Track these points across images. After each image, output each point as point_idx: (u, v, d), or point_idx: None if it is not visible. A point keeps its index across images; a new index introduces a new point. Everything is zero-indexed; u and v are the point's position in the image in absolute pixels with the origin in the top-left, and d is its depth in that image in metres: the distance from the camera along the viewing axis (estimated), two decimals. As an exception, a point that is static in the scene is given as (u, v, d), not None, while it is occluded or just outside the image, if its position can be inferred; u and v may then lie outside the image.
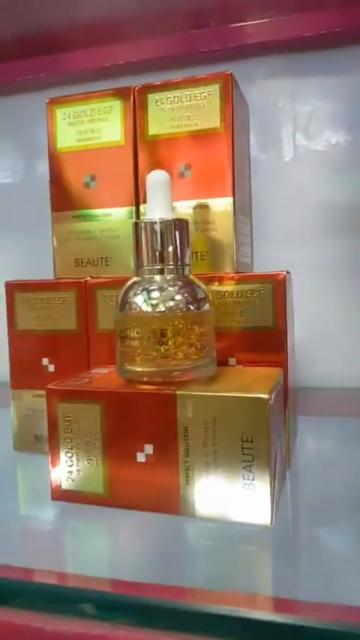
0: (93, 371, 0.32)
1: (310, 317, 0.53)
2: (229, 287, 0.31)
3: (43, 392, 0.35)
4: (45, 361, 0.35)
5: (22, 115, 0.61)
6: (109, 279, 0.33)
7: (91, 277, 0.34)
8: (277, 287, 0.30)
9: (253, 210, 0.38)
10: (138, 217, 0.33)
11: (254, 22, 0.51)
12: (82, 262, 0.35)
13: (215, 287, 0.31)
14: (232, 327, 0.31)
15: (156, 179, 0.27)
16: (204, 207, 0.32)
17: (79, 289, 0.34)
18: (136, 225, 0.28)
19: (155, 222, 0.27)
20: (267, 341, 0.30)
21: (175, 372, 0.27)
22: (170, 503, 0.26)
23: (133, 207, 0.33)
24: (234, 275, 0.31)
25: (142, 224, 0.27)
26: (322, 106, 0.52)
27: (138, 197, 0.33)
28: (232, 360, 0.31)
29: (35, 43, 0.56)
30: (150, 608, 0.20)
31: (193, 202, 0.32)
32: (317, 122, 0.52)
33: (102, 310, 0.33)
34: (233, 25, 0.52)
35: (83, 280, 0.34)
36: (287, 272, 0.30)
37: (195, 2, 0.49)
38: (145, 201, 0.33)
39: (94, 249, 0.34)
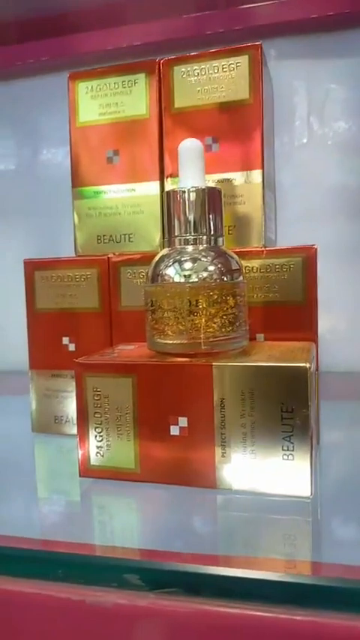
0: (118, 347, 0.31)
1: (325, 301, 0.52)
2: (258, 261, 0.30)
3: (63, 371, 0.35)
4: (65, 340, 0.34)
5: (23, 99, 0.60)
6: (134, 256, 0.32)
7: (113, 254, 0.33)
8: (308, 260, 0.30)
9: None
10: (163, 192, 0.32)
11: (263, 3, 0.51)
12: (104, 239, 0.34)
13: (243, 262, 0.30)
14: (261, 303, 0.30)
15: (189, 147, 0.27)
16: (232, 180, 0.31)
17: (102, 266, 0.33)
18: (168, 195, 0.27)
19: (188, 191, 0.26)
20: (297, 316, 0.30)
21: (207, 345, 0.26)
22: (206, 477, 0.25)
23: (158, 182, 0.33)
24: (263, 249, 0.30)
25: (174, 193, 0.27)
26: (335, 88, 0.52)
27: (163, 172, 0.32)
28: (260, 336, 0.31)
29: (40, 25, 0.55)
30: (193, 576, 0.19)
31: (220, 175, 0.31)
32: (331, 104, 0.52)
33: (125, 287, 0.33)
34: (242, 7, 0.52)
35: (106, 257, 0.33)
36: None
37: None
38: (170, 176, 0.32)
39: (117, 225, 0.33)
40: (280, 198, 0.40)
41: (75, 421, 0.33)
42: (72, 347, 0.34)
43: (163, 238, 0.28)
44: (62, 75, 0.41)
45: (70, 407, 0.34)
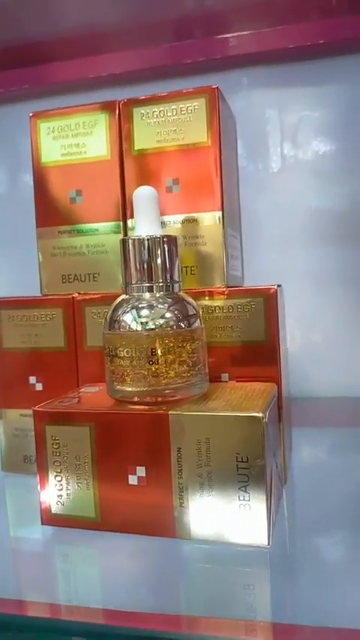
0: (82, 390, 0.31)
1: (301, 326, 0.52)
2: (219, 302, 0.31)
3: (31, 411, 0.35)
4: (32, 379, 0.34)
5: (4, 126, 0.60)
6: (98, 296, 0.33)
7: (78, 293, 0.33)
8: (269, 301, 0.30)
9: (242, 221, 0.37)
10: (126, 232, 0.33)
11: (238, 33, 0.51)
12: (69, 278, 0.34)
13: (205, 302, 0.30)
14: (224, 342, 0.30)
15: (143, 195, 0.27)
16: (193, 221, 0.31)
17: (67, 306, 0.33)
18: (124, 242, 0.27)
19: (143, 239, 0.26)
20: (259, 355, 0.30)
21: (167, 391, 0.26)
22: (165, 526, 0.25)
23: (121, 222, 0.33)
24: (224, 289, 0.31)
25: (130, 241, 0.27)
26: (307, 116, 0.52)
27: (125, 212, 0.33)
28: (225, 376, 0.31)
29: (17, 54, 0.55)
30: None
31: (182, 217, 0.31)
32: (303, 132, 0.52)
33: (91, 327, 0.33)
34: (217, 37, 0.52)
35: (71, 297, 0.33)
36: (278, 285, 0.30)
37: (178, 14, 0.49)
38: (132, 216, 0.32)
39: (82, 264, 0.34)
40: (254, 225, 0.40)
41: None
42: (39, 386, 0.34)
43: (121, 283, 0.28)
44: (40, 102, 0.41)
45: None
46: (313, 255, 0.52)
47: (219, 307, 0.31)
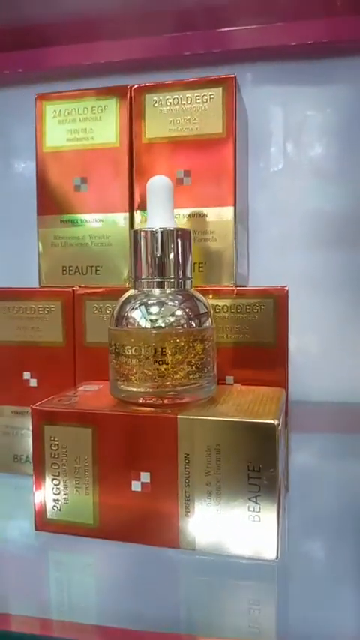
0: (81, 388, 0.29)
1: (302, 329, 0.51)
2: (227, 301, 0.29)
3: (24, 409, 0.33)
4: (26, 375, 0.32)
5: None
6: (100, 289, 0.31)
7: (79, 286, 0.32)
8: (280, 302, 0.29)
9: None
10: (132, 224, 0.31)
11: (243, 27, 0.50)
12: (69, 270, 0.32)
13: (213, 301, 0.29)
14: (231, 343, 0.29)
15: (158, 185, 0.25)
16: (203, 216, 0.30)
17: (67, 299, 0.32)
18: (135, 234, 0.26)
19: (156, 232, 0.25)
20: (267, 358, 0.29)
21: (173, 393, 0.25)
22: (168, 536, 0.24)
23: (127, 214, 0.31)
24: (234, 288, 0.29)
25: (142, 233, 0.25)
26: (311, 115, 0.51)
27: (132, 203, 0.31)
28: (230, 378, 0.30)
29: (10, 36, 0.53)
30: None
31: (191, 210, 0.30)
32: (307, 131, 0.51)
33: (91, 322, 0.31)
34: (221, 30, 0.51)
35: (71, 289, 0.32)
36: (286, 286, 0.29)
37: (183, 4, 0.48)
38: (139, 208, 0.31)
39: (84, 256, 0.32)
40: (255, 225, 0.39)
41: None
42: (33, 382, 0.32)
43: (130, 277, 0.27)
44: (36, 88, 0.40)
45: (31, 446, 0.32)
46: (313, 257, 0.51)
47: (227, 307, 0.29)
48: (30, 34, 0.53)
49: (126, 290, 0.27)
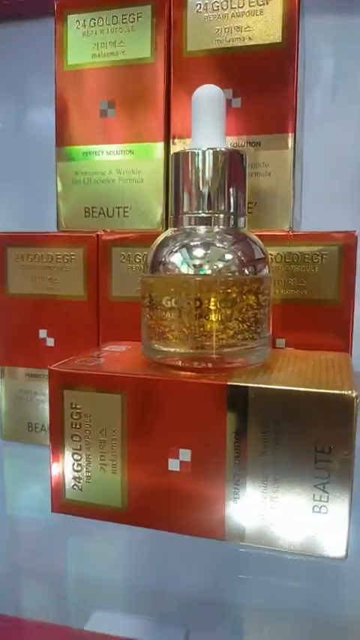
0: (106, 348, 0.25)
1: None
2: (282, 249, 0.25)
3: (39, 371, 0.29)
4: (43, 333, 0.28)
5: (4, 48, 0.52)
6: (130, 234, 0.26)
7: (104, 231, 0.27)
8: (347, 250, 0.24)
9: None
10: (168, 156, 0.26)
11: None
12: (93, 212, 0.28)
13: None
14: (284, 300, 0.25)
15: (206, 96, 0.20)
16: (255, 145, 0.25)
17: (90, 245, 0.27)
18: (177, 157, 0.21)
19: (203, 153, 0.20)
20: (329, 319, 0.24)
21: (219, 356, 0.20)
22: (211, 525, 0.20)
23: (162, 144, 0.26)
24: (290, 233, 0.25)
25: (185, 155, 0.20)
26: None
27: (169, 130, 0.26)
28: (281, 342, 0.25)
29: None
30: None
31: (242, 139, 0.25)
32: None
33: (117, 273, 0.27)
34: None
35: (95, 234, 0.27)
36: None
37: None
38: (179, 137, 0.26)
39: (110, 195, 0.27)
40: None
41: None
42: (50, 342, 0.28)
43: (167, 215, 0.22)
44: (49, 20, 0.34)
45: (48, 413, 0.28)
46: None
47: (280, 256, 0.25)
48: None
49: (159, 235, 0.22)
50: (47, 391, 0.28)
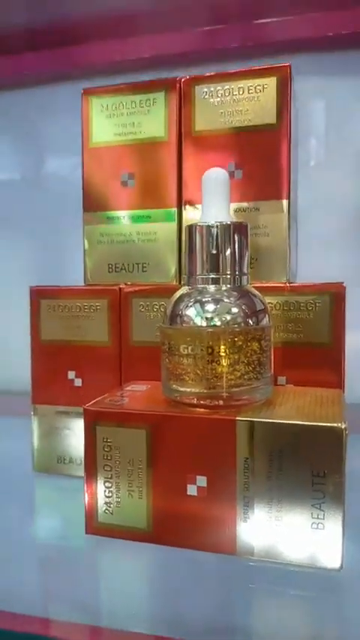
0: (128, 388, 0.29)
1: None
2: (280, 298, 0.28)
3: (68, 408, 0.32)
4: (71, 374, 0.32)
5: (29, 109, 0.58)
6: (148, 287, 0.30)
7: (126, 284, 0.31)
8: (336, 299, 0.27)
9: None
10: (181, 220, 0.30)
11: (278, 19, 0.49)
12: (115, 267, 0.32)
13: (265, 298, 0.28)
14: (284, 343, 0.28)
15: (214, 178, 0.25)
16: (255, 210, 0.29)
17: (113, 297, 0.31)
18: (190, 229, 0.25)
19: (212, 226, 0.24)
20: (322, 359, 0.28)
21: (228, 394, 0.24)
22: (225, 542, 0.23)
23: (175, 209, 0.30)
24: (287, 285, 0.28)
25: (198, 228, 0.24)
26: (355, 107, 0.49)
27: (181, 198, 0.30)
28: (282, 379, 0.29)
29: (49, 34, 0.53)
30: None
31: (242, 205, 0.29)
32: (350, 122, 0.50)
33: (137, 321, 0.30)
34: (256, 22, 0.49)
35: (117, 287, 0.31)
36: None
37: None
38: (189, 203, 0.30)
39: (130, 253, 0.31)
40: (298, 222, 0.38)
41: (79, 462, 0.31)
42: (78, 382, 0.32)
43: (180, 269, 0.26)
44: (70, 85, 0.39)
45: (74, 446, 0.32)
46: (357, 254, 0.49)
47: (279, 304, 0.28)
48: (63, 31, 0.52)
49: (173, 287, 0.26)
50: (73, 426, 0.32)
